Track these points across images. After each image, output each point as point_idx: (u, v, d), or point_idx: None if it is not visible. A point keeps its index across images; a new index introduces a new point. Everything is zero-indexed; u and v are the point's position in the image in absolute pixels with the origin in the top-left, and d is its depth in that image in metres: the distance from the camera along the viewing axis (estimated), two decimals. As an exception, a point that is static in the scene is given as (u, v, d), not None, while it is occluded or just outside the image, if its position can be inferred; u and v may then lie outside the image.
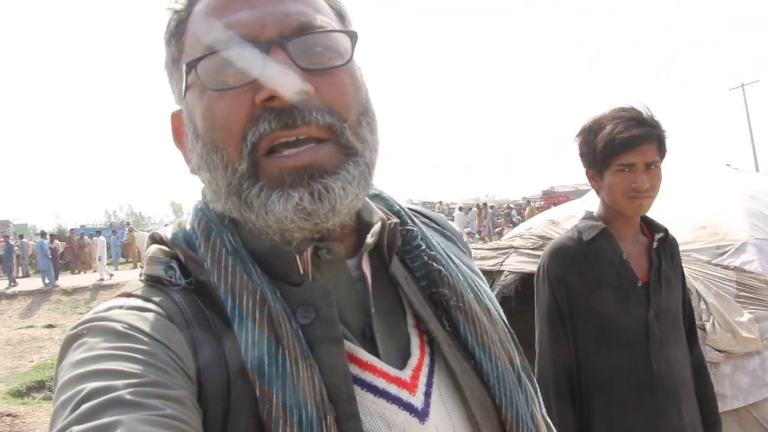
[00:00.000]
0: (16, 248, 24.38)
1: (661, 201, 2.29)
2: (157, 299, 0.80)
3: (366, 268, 0.91)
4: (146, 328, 0.75)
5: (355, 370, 0.81)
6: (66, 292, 19.57)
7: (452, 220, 29.50)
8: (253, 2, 0.82)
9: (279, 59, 0.78)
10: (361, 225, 0.94)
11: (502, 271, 5.96)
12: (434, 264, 0.96)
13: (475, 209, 30.63)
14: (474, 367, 0.91)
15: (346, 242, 0.91)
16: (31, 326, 15.70)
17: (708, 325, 3.88)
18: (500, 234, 21.23)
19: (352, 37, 0.86)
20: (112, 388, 0.65)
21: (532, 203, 31.28)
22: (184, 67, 0.84)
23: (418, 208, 1.14)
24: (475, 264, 1.11)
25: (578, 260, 2.25)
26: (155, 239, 0.92)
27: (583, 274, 2.23)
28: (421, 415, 0.83)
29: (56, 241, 22.04)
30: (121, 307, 0.78)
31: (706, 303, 4.01)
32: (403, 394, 0.82)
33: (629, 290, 2.20)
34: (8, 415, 8.50)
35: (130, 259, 28.71)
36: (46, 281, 20.44)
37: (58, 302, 18.71)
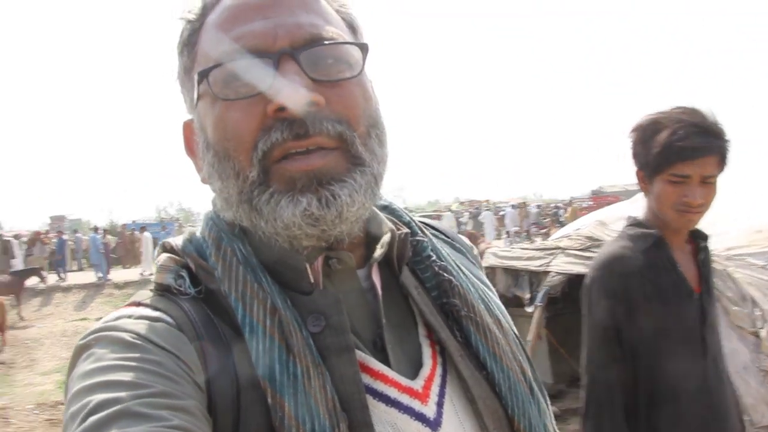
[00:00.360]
0: (70, 243, 25.07)
1: (714, 203, 2.16)
2: (166, 308, 0.80)
3: (376, 279, 0.91)
4: (155, 337, 0.75)
5: (366, 379, 0.80)
6: (117, 286, 20.11)
7: (503, 218, 29.49)
8: (266, 13, 0.82)
9: (290, 70, 0.78)
10: (371, 236, 0.94)
11: (549, 272, 5.90)
12: (445, 274, 0.96)
13: (515, 209, 30.32)
14: (486, 378, 0.90)
15: (355, 253, 0.91)
16: (85, 318, 16.20)
17: (763, 332, 3.77)
18: (547, 234, 20.97)
19: (363, 49, 0.87)
20: (120, 400, 0.65)
21: (574, 204, 30.62)
22: (195, 77, 0.84)
23: (428, 220, 1.14)
24: (485, 276, 1.11)
25: (635, 272, 2.05)
26: (166, 248, 0.92)
27: (641, 287, 2.04)
28: (434, 425, 0.83)
29: (108, 236, 22.58)
30: (130, 317, 0.78)
31: (761, 310, 3.89)
32: (415, 404, 0.82)
33: (686, 303, 2.05)
34: (63, 404, 8.74)
35: None
36: (99, 275, 21.01)
37: (110, 295, 19.24)
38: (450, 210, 38.71)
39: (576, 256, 5.81)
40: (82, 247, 25.55)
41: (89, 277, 21.70)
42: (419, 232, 1.01)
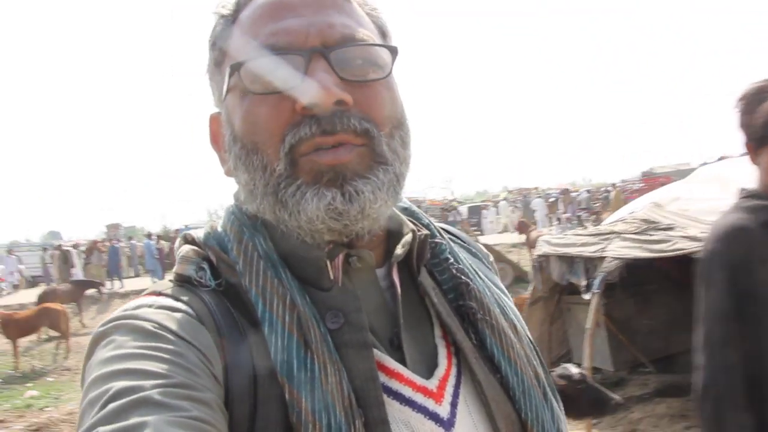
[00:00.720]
0: (126, 250, 25.69)
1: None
2: (186, 299, 0.81)
3: (395, 278, 0.92)
4: (175, 327, 0.75)
5: (382, 377, 0.81)
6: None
7: (554, 203, 29.00)
8: (299, 11, 0.84)
9: (321, 68, 0.80)
10: (391, 236, 0.95)
11: (605, 257, 5.76)
12: (462, 277, 0.97)
13: (561, 195, 29.84)
14: (500, 381, 0.91)
15: (375, 252, 0.92)
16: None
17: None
18: (598, 219, 20.54)
19: (393, 51, 0.88)
20: (140, 388, 0.65)
21: (618, 188, 29.69)
22: (227, 70, 0.85)
23: (445, 226, 1.14)
24: (500, 282, 1.11)
25: (759, 243, 1.88)
26: (187, 240, 0.93)
27: (766, 260, 1.87)
28: (447, 425, 0.84)
29: (162, 242, 23.06)
30: (150, 306, 0.79)
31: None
32: (429, 404, 0.83)
33: None
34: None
35: None
36: (154, 280, 21.46)
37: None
38: (504, 200, 38.26)
39: (632, 240, 5.65)
40: (137, 254, 26.18)
41: (146, 282, 22.19)
42: (438, 234, 1.03)
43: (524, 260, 17.88)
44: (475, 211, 32.90)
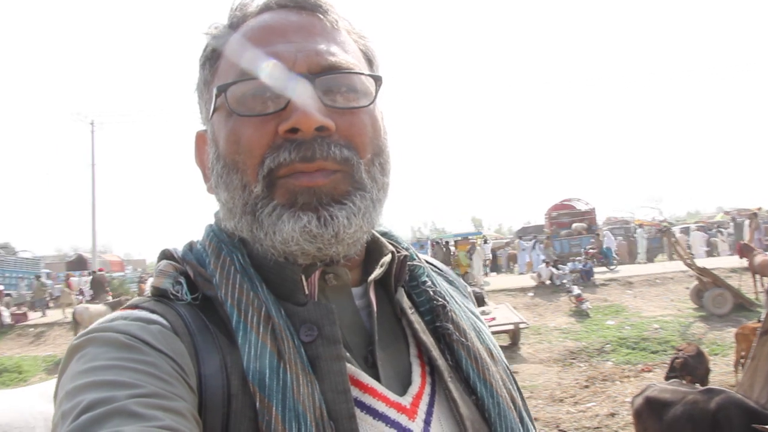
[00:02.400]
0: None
1: None
2: (162, 312, 0.82)
3: (373, 297, 0.94)
4: (149, 338, 0.76)
5: (355, 392, 0.82)
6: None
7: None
8: (289, 37, 0.87)
9: (305, 94, 0.82)
10: (370, 257, 0.98)
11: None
12: (439, 299, 1.00)
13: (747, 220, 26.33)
14: (475, 403, 0.92)
15: (354, 271, 0.95)
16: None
17: None
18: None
19: (377, 81, 0.91)
20: (113, 399, 0.65)
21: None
22: (214, 90, 0.88)
23: (425, 256, 1.16)
24: (476, 310, 1.13)
25: None
26: (166, 255, 0.94)
27: None
28: None
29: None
30: (125, 318, 0.80)
31: None
32: (402, 419, 0.84)
33: None
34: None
35: None
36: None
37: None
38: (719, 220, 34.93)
39: None
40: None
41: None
42: (416, 257, 1.07)
43: (745, 286, 16.57)
44: (687, 233, 30.70)
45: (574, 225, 29.52)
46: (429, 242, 28.70)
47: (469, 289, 1.21)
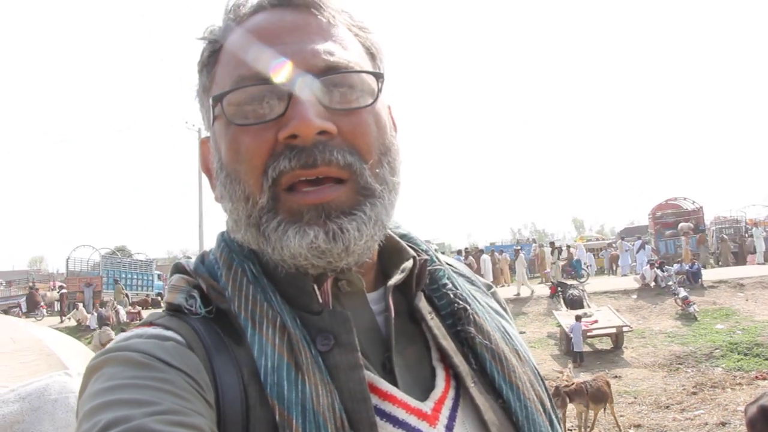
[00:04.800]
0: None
1: None
2: (177, 328, 0.81)
3: (391, 302, 0.91)
4: (165, 356, 0.75)
5: (374, 399, 0.80)
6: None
7: None
8: (284, 39, 0.83)
9: (303, 98, 0.79)
10: (389, 260, 0.97)
11: None
12: (460, 302, 0.97)
13: None
14: (502, 406, 0.90)
15: (368, 276, 0.93)
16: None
17: None
18: None
19: (379, 77, 0.88)
20: (130, 418, 0.64)
21: None
22: (210, 101, 0.86)
23: (446, 257, 1.13)
24: (506, 313, 1.10)
25: None
26: (178, 269, 0.93)
27: None
28: None
29: (470, 258, 24.03)
30: (140, 336, 0.79)
31: None
32: (423, 426, 0.82)
33: None
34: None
35: (537, 274, 28.63)
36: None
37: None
38: None
39: None
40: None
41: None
42: (436, 260, 1.04)
43: None
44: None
45: (680, 225, 28.33)
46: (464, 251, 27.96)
47: (494, 288, 1.18)
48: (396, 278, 0.92)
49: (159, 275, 35.41)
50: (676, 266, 20.97)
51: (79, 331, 22.57)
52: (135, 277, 32.32)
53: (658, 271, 20.10)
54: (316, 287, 0.85)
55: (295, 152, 0.79)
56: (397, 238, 0.99)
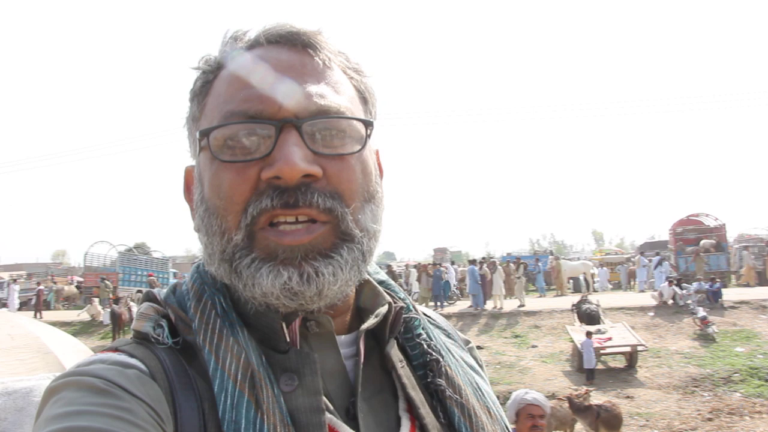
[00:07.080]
0: (445, 272, 27.03)
1: None
2: (142, 356, 0.80)
3: (362, 347, 0.90)
4: (127, 384, 0.74)
5: None
6: (493, 316, 21.10)
7: None
8: (277, 77, 0.83)
9: (290, 140, 0.79)
10: (363, 305, 0.95)
11: None
12: (433, 353, 0.95)
13: None
14: None
15: (340, 318, 0.91)
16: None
17: None
18: None
19: (368, 125, 0.87)
20: None
21: None
22: (197, 134, 0.86)
23: (425, 309, 1.13)
24: (478, 366, 1.08)
25: None
26: (149, 297, 0.92)
27: None
28: None
29: (485, 267, 23.86)
30: (103, 362, 0.78)
31: None
32: None
33: None
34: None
35: (554, 287, 28.86)
36: (476, 305, 22.28)
37: (485, 325, 20.29)
38: None
39: None
40: (458, 278, 27.38)
41: (466, 305, 23.19)
42: (413, 309, 1.01)
43: None
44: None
45: (702, 242, 27.94)
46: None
47: (471, 344, 1.17)
48: (369, 323, 0.90)
49: (175, 273, 35.57)
50: (695, 284, 20.52)
51: (92, 326, 22.67)
52: (149, 273, 32.33)
53: (677, 289, 19.70)
54: (284, 325, 0.84)
55: (277, 192, 0.79)
56: (375, 283, 0.98)
